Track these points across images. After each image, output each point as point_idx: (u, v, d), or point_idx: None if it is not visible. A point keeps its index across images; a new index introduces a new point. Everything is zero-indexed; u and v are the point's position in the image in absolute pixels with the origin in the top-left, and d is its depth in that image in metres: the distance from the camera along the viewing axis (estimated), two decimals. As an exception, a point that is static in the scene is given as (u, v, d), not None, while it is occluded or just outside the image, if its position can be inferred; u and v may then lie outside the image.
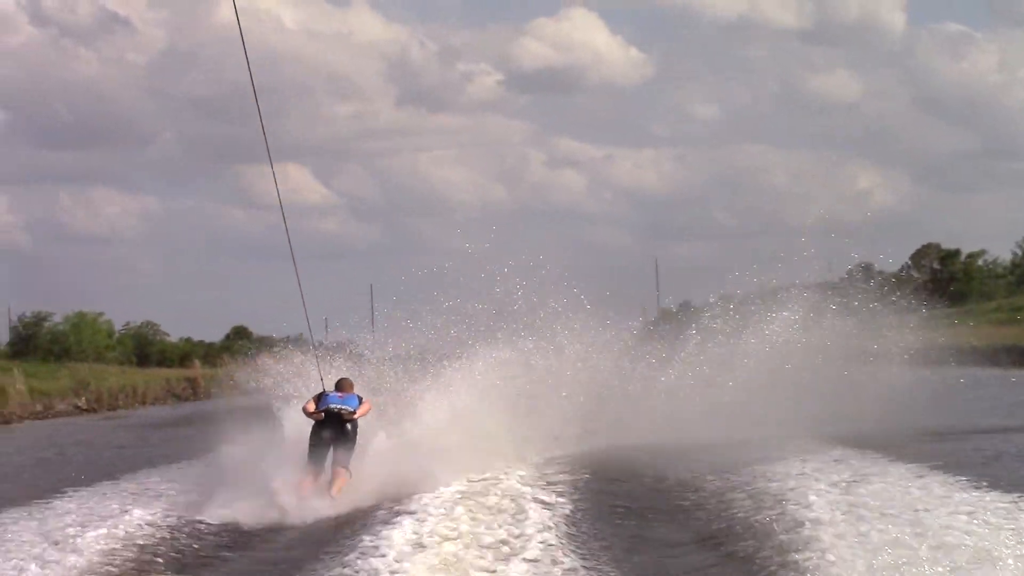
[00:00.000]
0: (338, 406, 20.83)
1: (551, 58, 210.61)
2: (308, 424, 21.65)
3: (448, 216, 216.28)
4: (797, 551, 14.07)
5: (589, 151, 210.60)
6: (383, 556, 14.80)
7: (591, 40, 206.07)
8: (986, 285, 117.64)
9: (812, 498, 17.39)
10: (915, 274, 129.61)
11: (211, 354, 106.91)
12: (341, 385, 21.58)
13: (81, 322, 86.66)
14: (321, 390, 21.63)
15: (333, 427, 20.75)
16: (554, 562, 14.64)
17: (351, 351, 29.58)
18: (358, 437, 21.25)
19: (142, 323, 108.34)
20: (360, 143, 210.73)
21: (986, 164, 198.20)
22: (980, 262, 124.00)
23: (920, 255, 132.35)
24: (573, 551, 15.37)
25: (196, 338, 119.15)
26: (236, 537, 18.44)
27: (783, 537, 15.06)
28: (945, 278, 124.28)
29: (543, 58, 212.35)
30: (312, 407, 21.03)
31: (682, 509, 19.19)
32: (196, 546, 17.54)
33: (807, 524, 15.44)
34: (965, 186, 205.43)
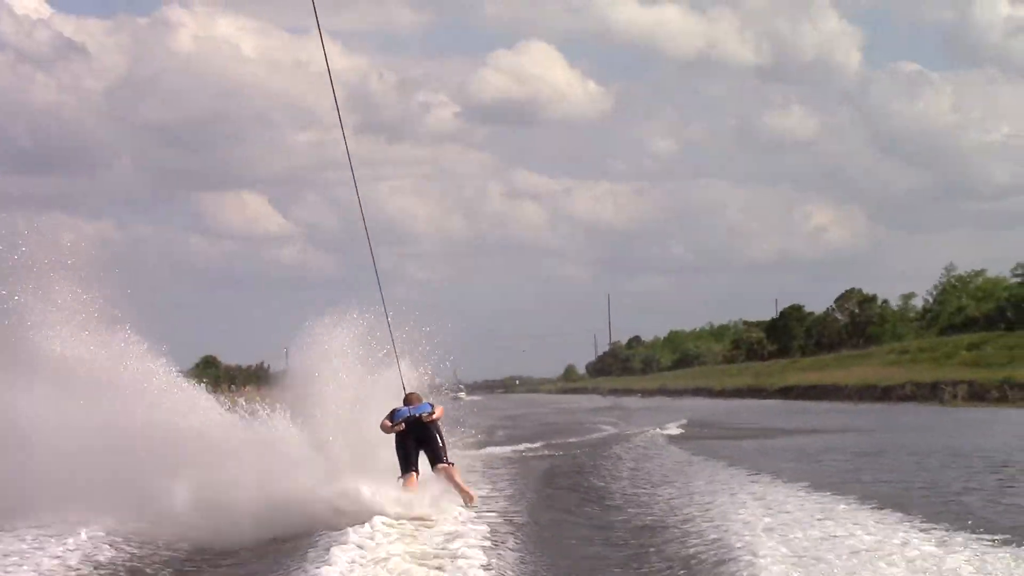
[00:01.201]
0: (415, 413, 21.37)
1: (510, 90, 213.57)
2: None
3: (408, 246, 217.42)
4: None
5: (548, 184, 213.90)
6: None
7: (549, 73, 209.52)
8: (899, 328, 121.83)
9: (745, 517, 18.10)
10: (838, 316, 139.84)
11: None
12: (410, 399, 22.03)
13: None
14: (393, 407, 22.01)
15: (417, 431, 21.17)
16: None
17: None
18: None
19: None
20: (319, 173, 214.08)
21: (940, 203, 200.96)
22: (896, 306, 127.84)
23: (843, 299, 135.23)
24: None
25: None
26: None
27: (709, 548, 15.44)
28: (863, 321, 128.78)
29: (502, 90, 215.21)
30: (389, 423, 21.39)
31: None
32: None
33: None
34: (919, 225, 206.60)
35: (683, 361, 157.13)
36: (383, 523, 17.87)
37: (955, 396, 65.69)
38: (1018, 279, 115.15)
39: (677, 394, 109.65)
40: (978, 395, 65.15)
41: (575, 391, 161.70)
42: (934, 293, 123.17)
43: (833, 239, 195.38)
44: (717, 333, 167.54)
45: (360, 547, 15.93)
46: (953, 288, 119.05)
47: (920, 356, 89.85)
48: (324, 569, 14.42)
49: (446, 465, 21.07)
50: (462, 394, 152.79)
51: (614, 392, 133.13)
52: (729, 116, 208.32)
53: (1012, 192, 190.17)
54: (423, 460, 21.29)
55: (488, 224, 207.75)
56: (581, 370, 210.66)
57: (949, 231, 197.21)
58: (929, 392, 69.72)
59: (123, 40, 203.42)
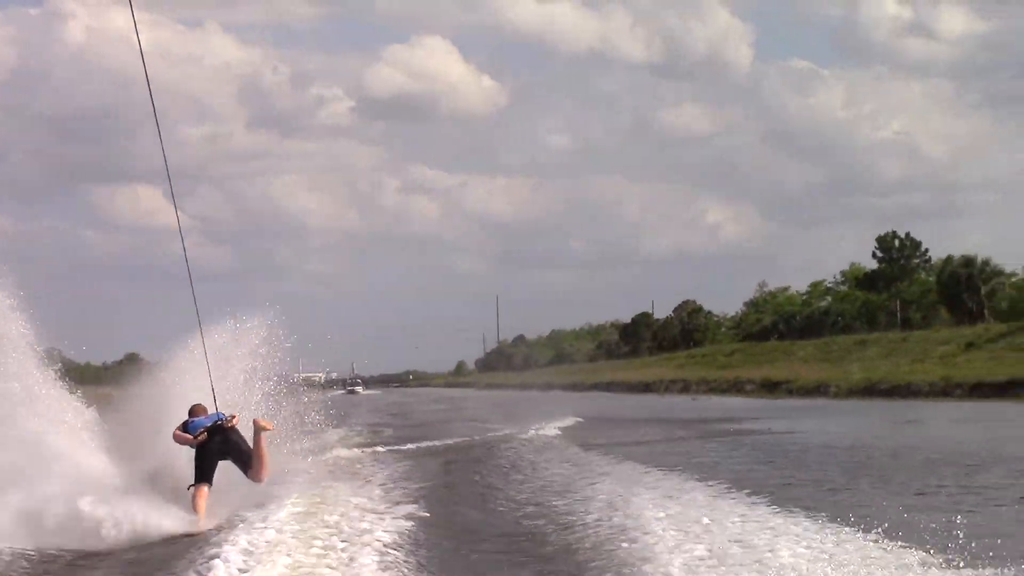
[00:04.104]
0: (215, 421, 19.49)
1: (404, 85, 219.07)
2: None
3: (303, 241, 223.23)
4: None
5: (443, 178, 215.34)
6: None
7: (444, 68, 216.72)
8: (717, 335, 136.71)
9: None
10: (676, 323, 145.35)
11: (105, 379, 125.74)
12: (195, 411, 20.20)
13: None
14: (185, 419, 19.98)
15: (222, 439, 19.33)
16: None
17: None
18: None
19: (46, 348, 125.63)
20: (213, 166, 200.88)
21: (832, 199, 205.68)
22: (716, 318, 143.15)
23: (680, 308, 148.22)
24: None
25: (95, 363, 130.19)
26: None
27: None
28: (692, 328, 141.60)
29: (396, 85, 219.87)
30: (188, 435, 19.44)
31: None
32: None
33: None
34: (812, 220, 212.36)
35: (558, 359, 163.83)
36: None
37: (665, 390, 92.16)
38: (804, 296, 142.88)
39: (527, 388, 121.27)
40: (685, 389, 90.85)
41: (459, 385, 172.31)
42: (746, 304, 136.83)
43: (728, 234, 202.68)
44: (595, 332, 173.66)
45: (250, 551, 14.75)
46: (763, 302, 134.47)
47: (689, 362, 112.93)
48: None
49: (260, 467, 19.40)
50: (359, 388, 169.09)
51: (488, 386, 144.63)
52: (624, 112, 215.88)
53: (901, 189, 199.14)
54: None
55: (384, 219, 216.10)
56: (472, 366, 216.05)
57: (841, 225, 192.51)
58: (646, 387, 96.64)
59: (14, 31, 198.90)
